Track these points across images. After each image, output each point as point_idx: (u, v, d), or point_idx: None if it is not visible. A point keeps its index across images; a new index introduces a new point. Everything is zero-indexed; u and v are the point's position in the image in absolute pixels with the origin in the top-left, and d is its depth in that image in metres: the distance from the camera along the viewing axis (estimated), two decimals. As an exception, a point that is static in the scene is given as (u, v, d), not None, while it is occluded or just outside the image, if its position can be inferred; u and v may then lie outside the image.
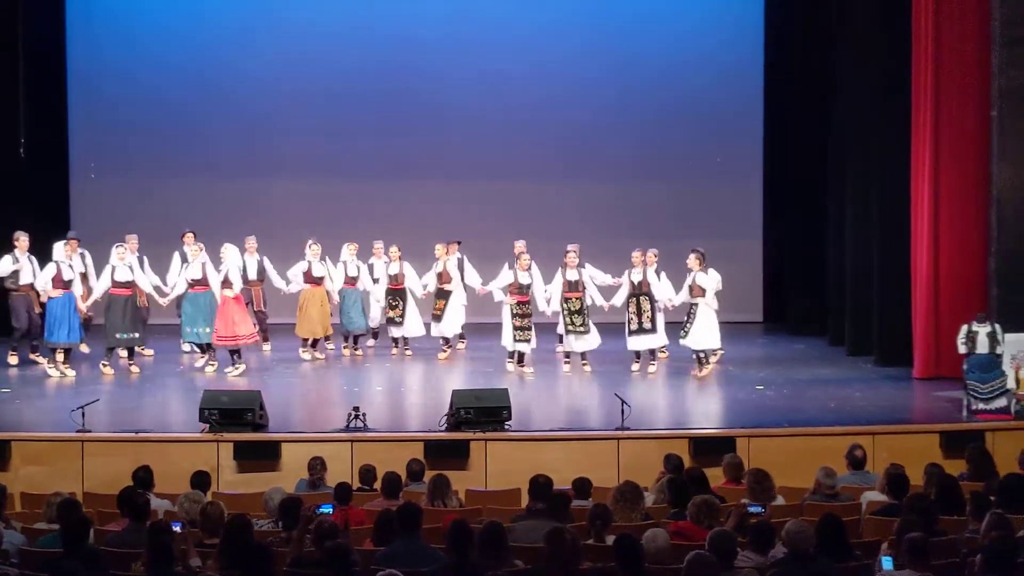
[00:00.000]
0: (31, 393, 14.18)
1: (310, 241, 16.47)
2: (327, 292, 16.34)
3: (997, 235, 14.45)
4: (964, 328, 13.38)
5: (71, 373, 14.98)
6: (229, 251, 15.85)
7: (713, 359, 15.48)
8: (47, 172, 19.18)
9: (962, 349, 13.31)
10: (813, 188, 18.59)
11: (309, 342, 16.32)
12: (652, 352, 15.65)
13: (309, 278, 16.30)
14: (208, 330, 15.41)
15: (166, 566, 7.01)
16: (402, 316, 16.53)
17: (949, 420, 12.71)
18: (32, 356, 15.51)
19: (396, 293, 16.54)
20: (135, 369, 15.24)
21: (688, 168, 20.18)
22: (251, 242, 16.76)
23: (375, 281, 16.70)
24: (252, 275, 16.65)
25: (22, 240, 15.35)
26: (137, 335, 15.39)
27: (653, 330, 15.48)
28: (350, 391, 14.26)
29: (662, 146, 20.12)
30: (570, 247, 15.72)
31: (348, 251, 16.62)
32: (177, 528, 7.43)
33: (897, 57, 15.21)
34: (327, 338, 16.60)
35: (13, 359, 15.49)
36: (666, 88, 19.91)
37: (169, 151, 19.66)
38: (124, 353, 15.53)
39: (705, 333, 15.20)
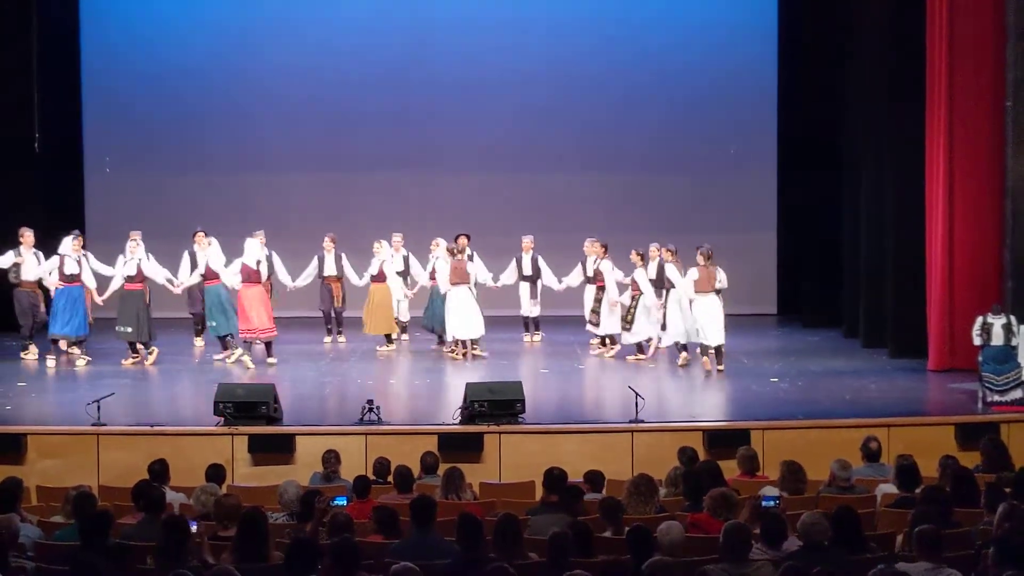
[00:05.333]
0: (47, 387, 14.23)
1: (390, 240, 16.80)
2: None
3: (1012, 227, 14.42)
4: (979, 320, 13.36)
5: (83, 360, 15.04)
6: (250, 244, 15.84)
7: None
8: (61, 167, 19.26)
9: (977, 341, 13.29)
10: (827, 180, 18.53)
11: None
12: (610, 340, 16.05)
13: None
14: (213, 324, 15.59)
15: (180, 560, 7.02)
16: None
17: (964, 412, 12.67)
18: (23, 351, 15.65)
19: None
20: (130, 362, 15.32)
21: (702, 161, 20.15)
22: (259, 236, 16.76)
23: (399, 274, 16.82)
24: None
25: (27, 236, 15.45)
26: (130, 329, 15.35)
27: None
28: (364, 384, 14.28)
29: (676, 139, 20.09)
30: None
31: (433, 247, 16.62)
32: (193, 527, 7.43)
33: (911, 49, 15.15)
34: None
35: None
36: (680, 80, 19.88)
37: (183, 146, 19.73)
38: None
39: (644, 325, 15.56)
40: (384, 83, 19.65)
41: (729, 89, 19.87)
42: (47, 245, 15.85)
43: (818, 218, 18.92)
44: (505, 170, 19.95)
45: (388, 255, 16.64)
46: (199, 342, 16.74)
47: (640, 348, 15.77)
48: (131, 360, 15.33)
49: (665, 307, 15.37)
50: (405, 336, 17.27)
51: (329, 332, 17.25)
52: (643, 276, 15.59)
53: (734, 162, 20.22)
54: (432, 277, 16.35)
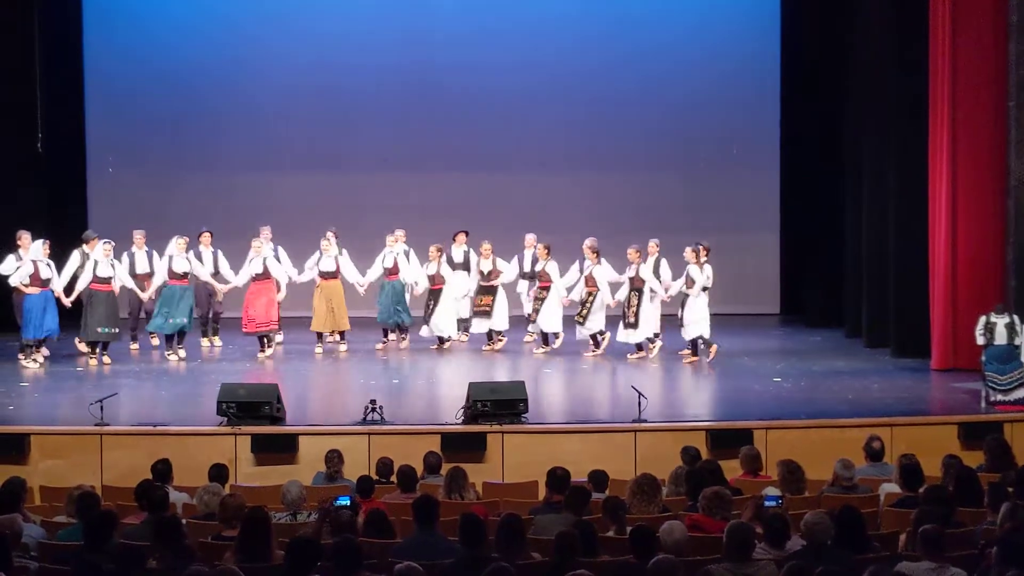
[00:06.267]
0: (50, 387, 14.25)
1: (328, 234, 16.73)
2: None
3: (1015, 226, 14.40)
4: (982, 319, 13.35)
5: (39, 362, 15.17)
6: (259, 245, 16.19)
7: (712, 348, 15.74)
8: (65, 166, 19.27)
9: (980, 340, 13.28)
10: (830, 180, 18.53)
11: (326, 336, 16.52)
12: (638, 346, 15.95)
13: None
14: (174, 321, 15.72)
15: (182, 560, 7.03)
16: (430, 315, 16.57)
17: (967, 411, 12.66)
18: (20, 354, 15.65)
19: (435, 293, 16.51)
20: (107, 361, 15.46)
21: (704, 160, 20.14)
22: (266, 233, 16.82)
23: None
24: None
25: (24, 239, 15.46)
26: (116, 330, 15.54)
27: (636, 325, 15.76)
28: (367, 384, 14.28)
29: (678, 138, 20.07)
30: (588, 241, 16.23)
31: (390, 242, 16.68)
32: None
33: (914, 48, 15.13)
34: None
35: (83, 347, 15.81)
36: (682, 79, 19.85)
37: (186, 145, 19.74)
38: (85, 347, 15.87)
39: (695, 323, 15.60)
40: (387, 83, 19.62)
41: (732, 88, 19.84)
42: (55, 245, 15.89)
43: (821, 218, 18.91)
44: (506, 170, 19.92)
45: (336, 251, 16.60)
46: (206, 343, 16.79)
47: (596, 343, 16.05)
48: (107, 359, 15.48)
49: (639, 305, 15.61)
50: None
51: (332, 331, 17.25)
52: (601, 273, 15.95)
53: (737, 162, 20.20)
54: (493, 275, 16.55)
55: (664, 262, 16.01)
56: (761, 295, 19.93)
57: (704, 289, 15.66)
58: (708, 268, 15.77)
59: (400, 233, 16.89)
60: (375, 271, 16.66)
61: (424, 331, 16.60)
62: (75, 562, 6.99)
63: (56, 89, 18.85)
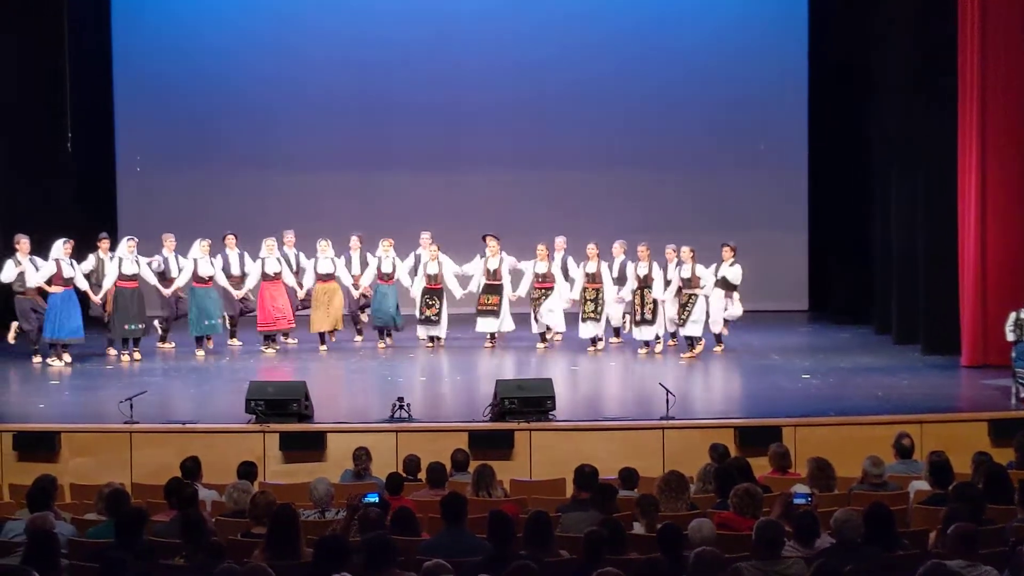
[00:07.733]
0: (79, 385, 14.33)
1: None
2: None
3: (1045, 221, 14.33)
4: (1012, 316, 13.27)
5: (64, 362, 15.28)
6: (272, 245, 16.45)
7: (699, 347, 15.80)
8: (94, 166, 19.39)
9: (1010, 337, 13.20)
10: (858, 175, 18.46)
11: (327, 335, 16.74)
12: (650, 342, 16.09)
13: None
14: (209, 322, 16.02)
15: (212, 558, 7.05)
16: (438, 315, 16.54)
17: (997, 408, 12.59)
18: (35, 357, 15.67)
19: (434, 293, 16.53)
20: (137, 357, 15.72)
21: (732, 157, 20.07)
22: (289, 237, 16.87)
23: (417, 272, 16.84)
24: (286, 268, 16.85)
25: (23, 243, 15.52)
26: (143, 326, 15.78)
27: (652, 321, 15.89)
28: (394, 382, 14.30)
29: (705, 135, 20.01)
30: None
31: (383, 247, 16.74)
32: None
33: (943, 42, 15.05)
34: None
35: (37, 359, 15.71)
36: (709, 77, 19.81)
37: (215, 145, 19.83)
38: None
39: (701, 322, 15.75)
40: (412, 81, 19.63)
41: (759, 85, 19.79)
42: (81, 245, 15.98)
43: (849, 214, 18.85)
44: (532, 169, 19.90)
45: (332, 254, 16.69)
46: (235, 342, 16.84)
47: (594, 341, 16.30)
48: (138, 356, 15.70)
49: (654, 301, 15.79)
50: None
51: (360, 332, 17.29)
52: (606, 271, 16.15)
53: (764, 158, 20.14)
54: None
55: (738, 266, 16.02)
56: (789, 291, 19.87)
57: (732, 288, 15.69)
58: (738, 267, 15.77)
59: (426, 236, 16.89)
60: (369, 274, 16.75)
61: (420, 332, 16.67)
62: (105, 559, 7.02)
63: (85, 90, 18.93)
